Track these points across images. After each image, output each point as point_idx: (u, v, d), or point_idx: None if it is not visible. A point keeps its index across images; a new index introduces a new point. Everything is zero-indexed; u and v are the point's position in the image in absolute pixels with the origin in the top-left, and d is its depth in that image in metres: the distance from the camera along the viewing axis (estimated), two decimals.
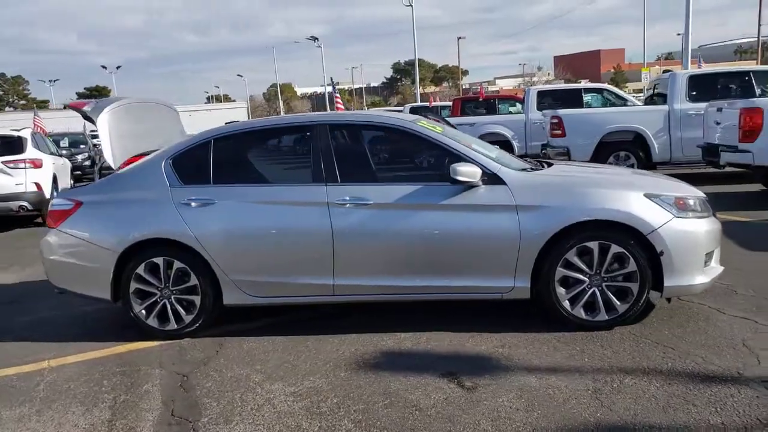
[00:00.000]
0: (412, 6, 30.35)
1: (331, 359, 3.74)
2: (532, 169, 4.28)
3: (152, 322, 4.26)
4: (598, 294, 3.88)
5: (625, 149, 10.26)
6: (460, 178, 3.84)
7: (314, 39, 46.50)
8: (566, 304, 3.90)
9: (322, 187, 4.08)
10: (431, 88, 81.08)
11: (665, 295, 3.89)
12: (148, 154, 4.75)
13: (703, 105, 9.48)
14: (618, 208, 3.79)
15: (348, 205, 4.00)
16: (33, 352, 4.22)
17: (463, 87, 74.66)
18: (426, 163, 4.25)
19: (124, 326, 4.53)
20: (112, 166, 4.51)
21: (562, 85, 14.36)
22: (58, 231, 4.34)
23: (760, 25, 39.94)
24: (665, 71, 14.92)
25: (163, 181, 4.28)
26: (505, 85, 79.12)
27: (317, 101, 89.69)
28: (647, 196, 3.84)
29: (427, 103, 22.00)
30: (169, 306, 4.24)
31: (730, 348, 3.50)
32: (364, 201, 3.98)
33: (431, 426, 2.89)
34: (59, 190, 10.05)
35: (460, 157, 4.02)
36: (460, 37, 58.61)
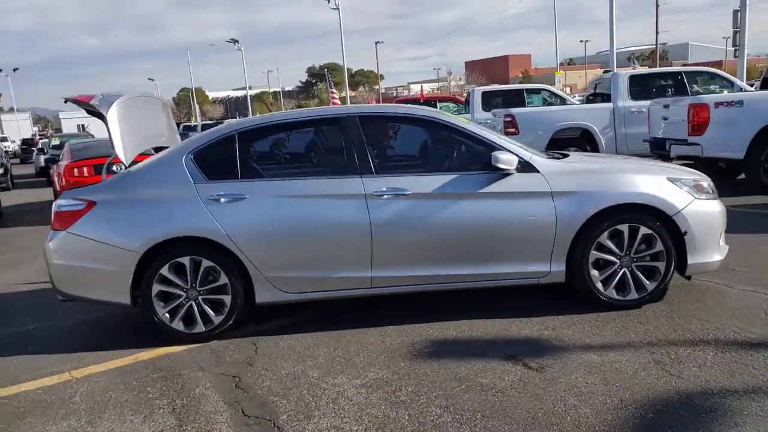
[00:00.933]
0: (339, 9, 30.34)
1: (384, 350, 3.71)
2: (557, 158, 4.43)
3: (177, 325, 4.04)
4: (628, 274, 4.07)
5: (574, 145, 10.77)
6: (501, 166, 3.91)
7: (234, 42, 45.45)
8: (599, 285, 4.07)
9: (357, 179, 4.03)
10: (350, 93, 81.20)
11: (688, 273, 4.13)
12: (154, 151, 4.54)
13: (643, 102, 10.17)
14: (647, 191, 4.00)
15: (386, 196, 3.98)
16: (46, 365, 3.90)
17: (381, 91, 75.31)
18: (457, 153, 4.29)
19: (134, 332, 4.32)
20: (125, 162, 4.26)
21: (505, 86, 14.84)
22: (68, 234, 4.04)
23: (657, 32, 43.00)
24: (605, 71, 15.78)
25: (185, 177, 4.08)
26: (418, 89, 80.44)
27: (230, 105, 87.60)
28: (670, 180, 4.08)
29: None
30: (196, 307, 4.05)
31: (756, 318, 3.78)
32: (401, 192, 3.97)
33: (520, 404, 2.93)
34: None
35: (492, 146, 4.10)
36: (377, 42, 59.10)
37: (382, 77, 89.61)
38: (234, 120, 5.44)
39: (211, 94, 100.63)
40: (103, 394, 3.40)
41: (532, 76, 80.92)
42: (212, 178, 4.07)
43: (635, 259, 4.06)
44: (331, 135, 4.26)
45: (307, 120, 4.42)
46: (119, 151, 4.21)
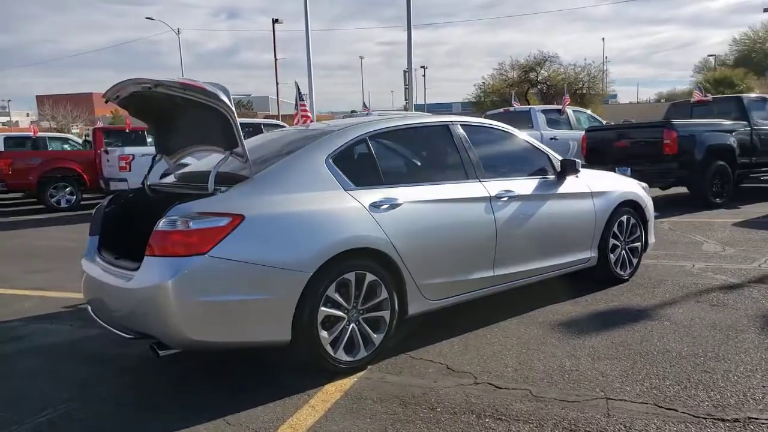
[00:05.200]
0: None
1: (583, 340, 4.02)
2: None
3: (340, 355, 3.48)
4: (627, 253, 5.31)
5: None
6: (579, 170, 4.70)
7: None
8: (612, 261, 5.18)
9: (477, 183, 4.22)
10: None
11: (648, 249, 5.60)
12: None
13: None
14: (635, 191, 5.35)
15: (504, 198, 4.29)
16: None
17: None
18: (529, 160, 4.77)
19: (264, 379, 3.51)
20: (249, 159, 3.42)
21: (247, 120, 14.54)
22: (212, 258, 3.07)
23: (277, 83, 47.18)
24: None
25: (331, 182, 3.58)
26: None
27: None
28: (639, 184, 5.51)
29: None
30: (357, 330, 3.56)
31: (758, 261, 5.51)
32: (512, 193, 4.34)
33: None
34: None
35: (546, 154, 4.84)
36: None
37: None
38: (345, 120, 4.51)
39: None
40: None
41: (123, 116, 77.82)
42: (359, 184, 3.67)
43: (628, 242, 5.33)
44: (442, 140, 4.28)
45: (423, 125, 4.30)
46: (243, 142, 3.36)
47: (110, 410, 3.23)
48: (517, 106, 15.76)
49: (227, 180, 3.45)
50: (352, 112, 16.00)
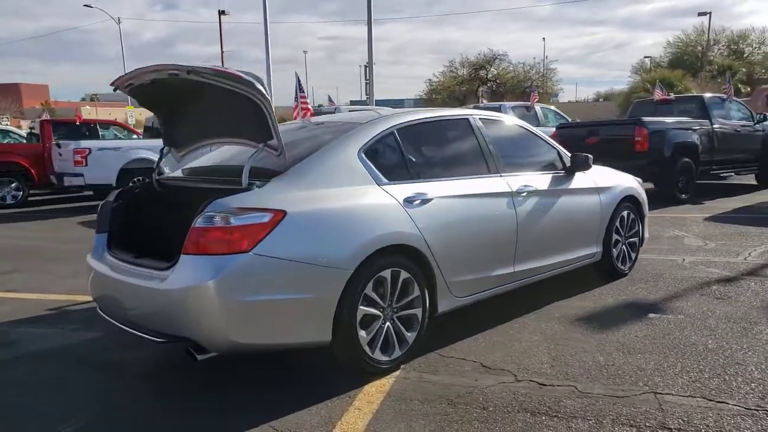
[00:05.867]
0: None
1: (606, 335, 4.02)
2: None
3: (377, 355, 3.37)
4: (627, 247, 5.39)
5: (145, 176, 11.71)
6: (592, 164, 4.72)
7: None
8: (615, 260, 5.25)
9: (499, 177, 4.18)
10: None
11: (644, 244, 5.70)
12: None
13: None
14: (634, 187, 5.43)
15: (524, 193, 4.26)
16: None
17: None
18: (541, 155, 4.73)
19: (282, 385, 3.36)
20: (284, 152, 3.24)
21: None
22: (256, 256, 2.89)
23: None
24: None
25: (365, 177, 3.45)
26: None
27: None
28: (636, 180, 5.60)
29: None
30: (392, 329, 3.46)
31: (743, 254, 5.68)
32: (530, 188, 4.32)
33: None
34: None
35: (555, 149, 4.84)
36: None
37: None
38: (363, 113, 4.29)
39: None
40: None
41: (55, 108, 74.61)
42: (390, 179, 3.55)
43: (627, 237, 5.41)
44: (466, 134, 4.19)
45: (446, 118, 4.19)
46: (279, 134, 3.18)
47: (137, 420, 3.01)
48: (485, 102, 15.91)
49: (257, 174, 3.26)
50: (319, 106, 15.81)
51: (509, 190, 4.16)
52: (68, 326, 4.51)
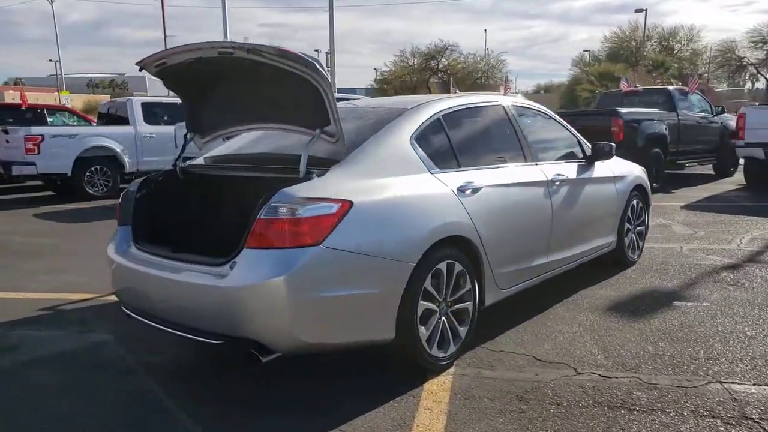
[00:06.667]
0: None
1: (643, 324, 4.00)
2: None
3: (434, 350, 3.22)
4: (636, 236, 5.43)
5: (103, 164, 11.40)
6: (614, 155, 4.70)
7: None
8: (627, 249, 5.28)
9: (535, 165, 4.09)
10: None
11: (647, 233, 5.77)
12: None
13: (157, 128, 11.61)
14: (642, 176, 5.48)
15: (557, 182, 4.19)
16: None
17: None
18: (565, 144, 4.64)
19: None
20: (343, 139, 3.02)
21: (166, 99, 13.28)
22: (326, 250, 2.69)
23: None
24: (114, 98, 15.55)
25: (418, 164, 3.29)
26: None
27: None
28: (640, 168, 5.64)
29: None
30: (446, 323, 3.32)
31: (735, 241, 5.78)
32: (563, 177, 4.26)
33: None
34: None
35: (576, 138, 4.80)
36: None
37: None
38: (403, 97, 4.01)
39: None
40: None
41: None
42: (440, 167, 3.40)
43: (636, 225, 5.45)
44: (503, 121, 4.07)
45: (485, 105, 4.04)
46: (338, 120, 2.96)
47: (194, 428, 2.76)
48: (457, 91, 15.92)
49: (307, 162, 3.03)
50: None
51: (545, 179, 4.08)
52: (70, 328, 4.14)
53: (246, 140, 3.89)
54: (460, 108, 3.80)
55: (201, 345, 2.97)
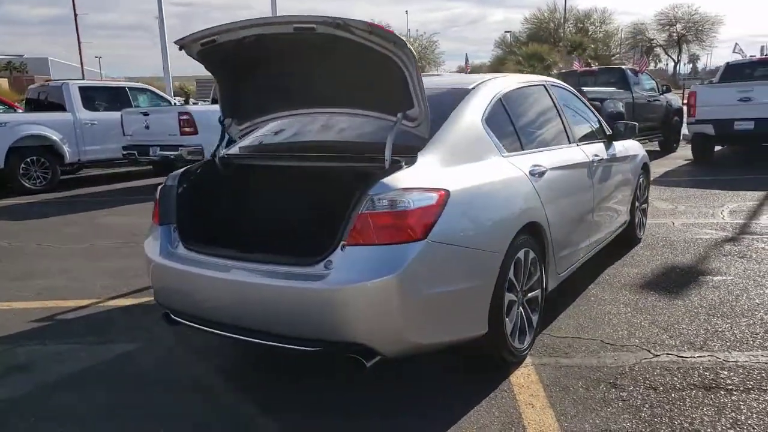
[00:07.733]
0: None
1: (681, 300, 4.00)
2: None
3: (516, 342, 3.09)
4: (641, 214, 5.50)
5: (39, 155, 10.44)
6: (636, 133, 4.71)
7: None
8: (635, 226, 5.34)
9: (576, 146, 4.02)
10: None
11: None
12: None
13: (97, 114, 11.03)
14: (646, 154, 5.54)
15: (596, 162, 4.14)
16: None
17: None
18: (592, 123, 4.57)
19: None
20: (429, 122, 2.79)
21: (106, 82, 12.28)
22: (432, 244, 2.48)
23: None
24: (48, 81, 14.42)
25: (491, 147, 3.12)
26: None
27: None
28: (641, 147, 5.72)
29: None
30: (523, 313, 3.19)
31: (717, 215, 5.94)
32: (599, 158, 4.21)
33: None
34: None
35: (597, 117, 4.77)
36: None
37: None
38: (472, 76, 3.64)
39: None
40: None
41: None
42: (508, 149, 3.24)
43: (641, 203, 5.52)
44: (547, 101, 3.94)
45: (532, 84, 3.89)
46: (424, 102, 2.73)
47: None
48: None
49: (380, 149, 2.77)
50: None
51: (588, 160, 4.02)
52: (84, 339, 3.71)
53: (288, 129, 3.58)
54: (515, 88, 3.64)
55: (258, 348, 2.71)
